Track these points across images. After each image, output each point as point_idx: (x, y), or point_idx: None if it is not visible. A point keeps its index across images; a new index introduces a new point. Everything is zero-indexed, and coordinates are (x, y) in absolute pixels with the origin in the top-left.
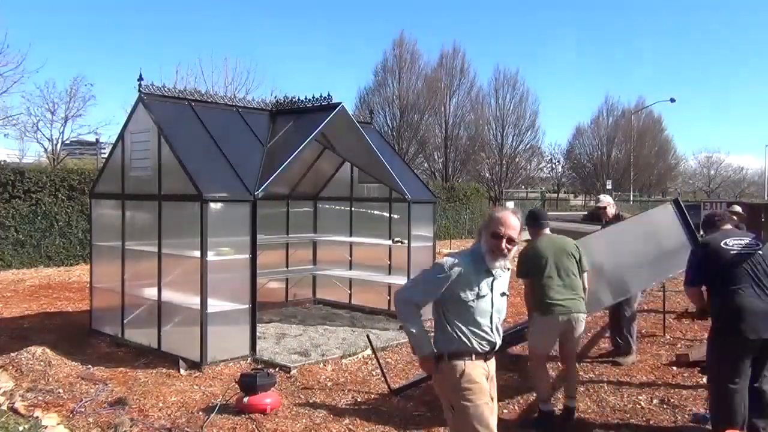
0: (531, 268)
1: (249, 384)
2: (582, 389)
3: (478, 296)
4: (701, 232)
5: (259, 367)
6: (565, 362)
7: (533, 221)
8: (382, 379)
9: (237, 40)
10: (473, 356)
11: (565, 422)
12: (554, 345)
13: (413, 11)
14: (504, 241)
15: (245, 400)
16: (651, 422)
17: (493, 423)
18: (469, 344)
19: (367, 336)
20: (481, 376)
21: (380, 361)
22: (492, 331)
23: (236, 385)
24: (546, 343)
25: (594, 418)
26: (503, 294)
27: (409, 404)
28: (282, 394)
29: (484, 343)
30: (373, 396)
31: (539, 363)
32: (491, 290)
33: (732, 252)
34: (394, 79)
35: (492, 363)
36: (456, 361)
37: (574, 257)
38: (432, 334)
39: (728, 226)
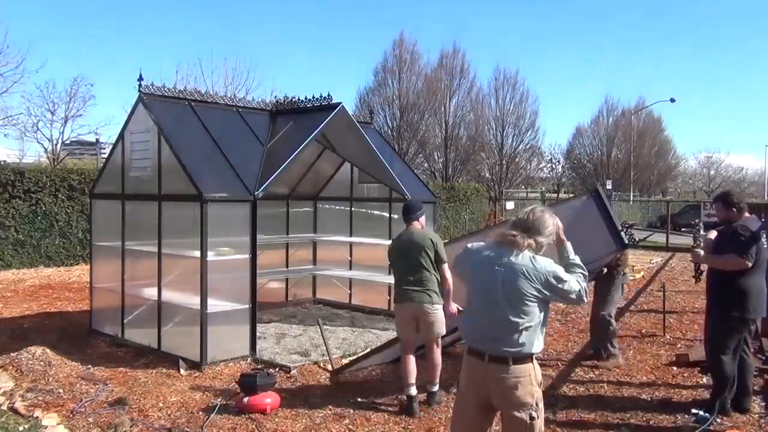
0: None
1: (249, 384)
2: (582, 389)
3: None
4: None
5: (259, 367)
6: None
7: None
8: (328, 359)
9: (237, 40)
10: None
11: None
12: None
13: (413, 11)
14: None
15: (245, 400)
16: (651, 422)
17: None
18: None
19: (318, 321)
20: None
21: (327, 341)
22: None
23: (236, 385)
24: (402, 330)
25: (594, 418)
26: None
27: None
28: (282, 394)
29: None
30: (373, 396)
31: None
32: None
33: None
34: (394, 79)
35: None
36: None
37: (426, 251)
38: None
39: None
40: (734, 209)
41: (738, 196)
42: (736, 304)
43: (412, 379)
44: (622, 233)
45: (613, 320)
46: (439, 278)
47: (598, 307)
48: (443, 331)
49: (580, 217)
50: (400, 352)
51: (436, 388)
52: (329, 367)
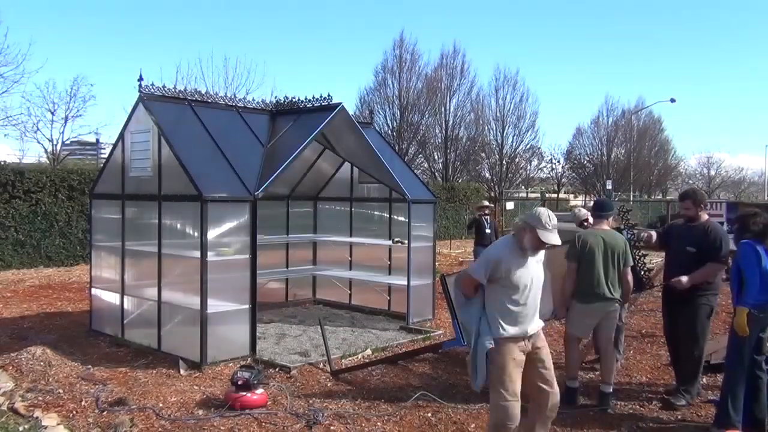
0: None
1: (236, 380)
2: (582, 389)
3: None
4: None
5: (248, 363)
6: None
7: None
8: (326, 360)
9: (237, 40)
10: None
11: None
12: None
13: (413, 11)
14: None
15: (233, 395)
16: (651, 422)
17: None
18: None
19: (319, 320)
20: None
21: (327, 342)
22: None
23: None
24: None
25: (594, 418)
26: None
27: (409, 403)
28: (282, 394)
29: None
30: (373, 395)
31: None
32: None
33: None
34: (394, 79)
35: None
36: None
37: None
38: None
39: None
40: (702, 206)
41: (702, 195)
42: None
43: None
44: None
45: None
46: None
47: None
48: None
49: None
50: (573, 350)
51: (610, 389)
52: (328, 368)
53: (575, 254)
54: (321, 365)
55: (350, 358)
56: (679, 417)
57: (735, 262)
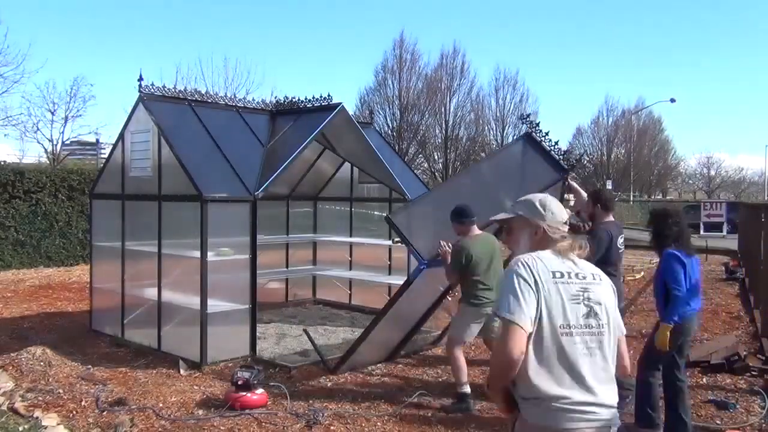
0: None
1: (236, 380)
2: None
3: None
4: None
5: (247, 364)
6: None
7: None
8: (320, 360)
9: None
10: None
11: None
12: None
13: (413, 11)
14: None
15: (233, 395)
16: None
17: None
18: None
19: (304, 330)
20: None
21: (316, 345)
22: None
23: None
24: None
25: None
26: None
27: (409, 403)
28: (282, 394)
29: None
30: (373, 396)
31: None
32: None
33: None
34: (394, 79)
35: None
36: None
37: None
38: None
39: None
40: (599, 206)
41: (606, 196)
42: None
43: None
44: (561, 162)
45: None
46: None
47: None
48: None
49: (519, 160)
50: (457, 353)
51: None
52: (325, 367)
53: (457, 263)
54: (321, 365)
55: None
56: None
57: (660, 274)
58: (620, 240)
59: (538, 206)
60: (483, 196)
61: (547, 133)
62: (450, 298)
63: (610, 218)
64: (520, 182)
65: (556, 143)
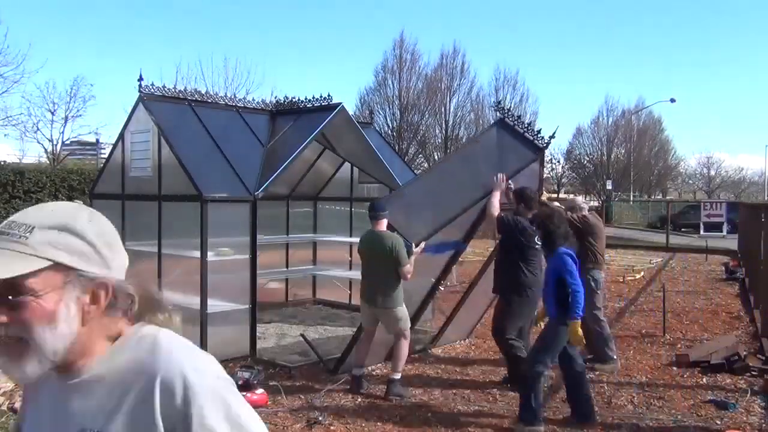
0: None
1: (236, 380)
2: None
3: None
4: (702, 231)
5: (247, 364)
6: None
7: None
8: (319, 360)
9: (237, 40)
10: None
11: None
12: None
13: (413, 11)
14: None
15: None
16: (650, 422)
17: None
18: None
19: (302, 335)
20: None
21: (314, 348)
22: None
23: None
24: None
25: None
26: None
27: (409, 403)
28: (282, 394)
29: None
30: (373, 395)
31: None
32: None
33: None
34: (394, 79)
35: None
36: None
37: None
38: None
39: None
40: (523, 204)
41: (528, 195)
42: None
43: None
44: (535, 141)
45: (603, 323)
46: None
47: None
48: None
49: (496, 145)
50: (362, 341)
51: (397, 376)
52: (324, 366)
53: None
54: (321, 365)
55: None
56: (679, 417)
57: (553, 272)
58: (538, 239)
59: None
60: (464, 181)
61: (519, 117)
62: (443, 288)
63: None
64: (499, 165)
65: (529, 125)
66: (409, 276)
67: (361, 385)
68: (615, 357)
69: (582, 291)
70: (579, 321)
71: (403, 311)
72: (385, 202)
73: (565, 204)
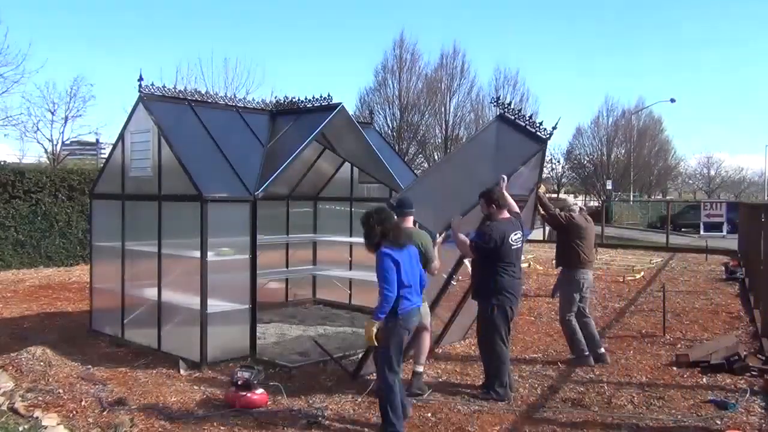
0: None
1: (236, 380)
2: (582, 389)
3: None
4: (702, 231)
5: (247, 364)
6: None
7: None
8: (339, 367)
9: (237, 40)
10: None
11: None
12: None
13: (413, 11)
14: None
15: (233, 395)
16: (650, 422)
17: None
18: None
19: (314, 339)
20: None
21: (331, 354)
22: None
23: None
24: None
25: (594, 418)
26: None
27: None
28: (282, 394)
29: None
30: (373, 395)
31: None
32: None
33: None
34: (394, 79)
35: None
36: None
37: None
38: None
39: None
40: (494, 206)
41: (497, 195)
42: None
43: None
44: (538, 133)
45: (573, 321)
46: None
47: (559, 310)
48: None
49: (498, 139)
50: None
51: (421, 369)
52: (342, 369)
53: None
54: (321, 365)
55: (350, 359)
56: (679, 417)
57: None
58: (514, 236)
59: None
60: (468, 177)
61: (519, 110)
62: (455, 282)
63: (505, 215)
64: (504, 159)
65: (530, 117)
66: (436, 271)
67: (421, 386)
68: (586, 355)
69: (391, 295)
70: (376, 322)
71: (427, 306)
72: (412, 198)
73: (557, 203)
